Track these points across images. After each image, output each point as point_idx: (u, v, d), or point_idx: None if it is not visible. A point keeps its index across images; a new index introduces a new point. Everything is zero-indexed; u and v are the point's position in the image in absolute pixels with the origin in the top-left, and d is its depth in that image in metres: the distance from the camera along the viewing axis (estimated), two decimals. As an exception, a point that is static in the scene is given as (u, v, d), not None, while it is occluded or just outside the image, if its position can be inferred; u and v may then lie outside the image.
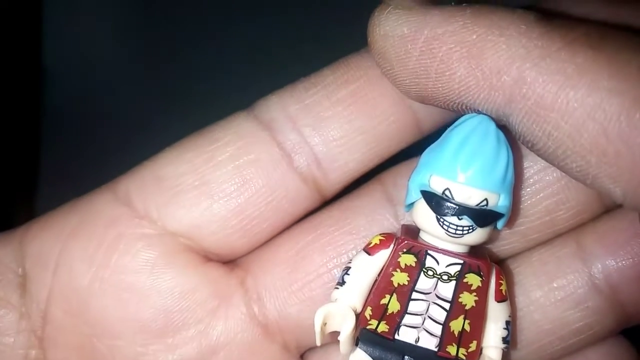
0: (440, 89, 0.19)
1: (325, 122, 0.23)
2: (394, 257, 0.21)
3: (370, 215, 0.24)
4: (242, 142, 0.24)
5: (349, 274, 0.22)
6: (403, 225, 0.23)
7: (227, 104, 0.50)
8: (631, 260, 0.23)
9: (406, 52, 0.19)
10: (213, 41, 0.53)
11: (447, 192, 0.20)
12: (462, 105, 0.20)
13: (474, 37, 0.18)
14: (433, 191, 0.20)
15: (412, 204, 0.21)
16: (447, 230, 0.20)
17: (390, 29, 0.19)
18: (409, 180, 0.21)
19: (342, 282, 0.22)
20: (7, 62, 0.51)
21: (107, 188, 0.25)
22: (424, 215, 0.21)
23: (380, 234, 0.22)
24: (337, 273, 0.23)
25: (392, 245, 0.21)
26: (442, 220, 0.20)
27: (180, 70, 0.53)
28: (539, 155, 0.19)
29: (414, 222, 0.22)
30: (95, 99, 0.53)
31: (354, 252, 0.24)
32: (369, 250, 0.22)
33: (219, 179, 0.24)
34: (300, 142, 0.24)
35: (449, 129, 0.21)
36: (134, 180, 0.24)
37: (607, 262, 0.23)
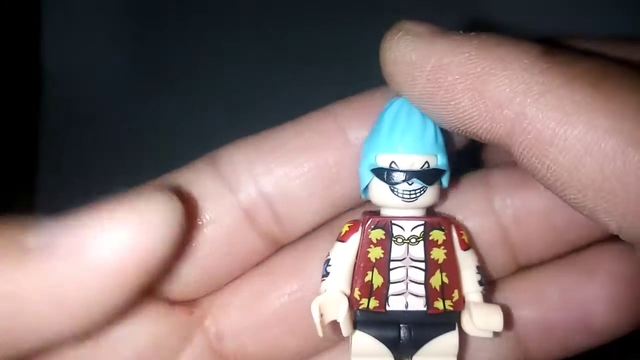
0: (445, 115, 0.20)
1: (287, 179, 0.24)
2: (365, 236, 0.23)
3: (322, 260, 0.25)
4: (204, 202, 0.24)
5: (330, 265, 0.23)
6: (363, 212, 0.25)
7: (227, 104, 0.51)
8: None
9: (413, 78, 0.20)
10: (212, 43, 0.54)
11: (393, 165, 0.23)
12: (465, 132, 0.20)
13: (479, 69, 0.19)
14: (381, 167, 0.23)
15: (367, 186, 0.23)
16: (402, 197, 0.23)
17: (400, 55, 0.20)
18: (358, 168, 0.23)
19: (326, 274, 0.23)
20: (5, 62, 0.52)
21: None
22: (379, 191, 0.23)
23: (347, 223, 0.24)
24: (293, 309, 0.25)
25: (360, 227, 0.23)
26: (395, 189, 0.23)
27: (179, 71, 0.53)
28: (540, 183, 0.20)
29: (373, 203, 0.24)
30: (94, 100, 0.53)
31: (301, 293, 0.25)
32: (341, 238, 0.24)
33: None
34: (261, 201, 0.24)
35: (379, 115, 0.23)
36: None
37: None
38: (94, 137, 0.52)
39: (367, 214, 0.24)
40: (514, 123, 0.18)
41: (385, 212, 0.24)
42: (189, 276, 0.24)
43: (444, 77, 0.19)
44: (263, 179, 0.24)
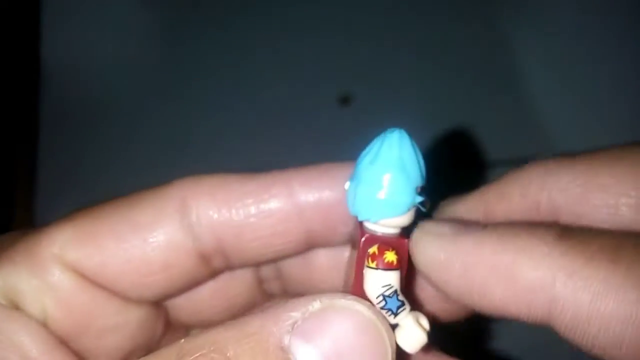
0: (486, 305, 0.21)
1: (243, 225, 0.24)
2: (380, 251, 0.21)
3: None
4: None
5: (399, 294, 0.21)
6: (371, 237, 0.22)
7: (227, 103, 0.51)
8: None
9: (446, 276, 0.21)
10: (213, 40, 0.54)
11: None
12: (507, 316, 0.21)
13: (505, 263, 0.20)
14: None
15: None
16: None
17: (428, 256, 0.22)
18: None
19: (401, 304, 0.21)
20: (5, 62, 0.52)
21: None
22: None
23: (389, 250, 0.21)
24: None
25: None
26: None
27: (179, 70, 0.53)
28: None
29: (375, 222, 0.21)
30: (94, 100, 0.53)
31: None
32: (395, 266, 0.21)
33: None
34: (216, 247, 0.24)
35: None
36: (62, 235, 0.23)
37: None
38: (92, 138, 0.52)
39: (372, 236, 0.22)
40: (549, 307, 0.19)
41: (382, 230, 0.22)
42: None
43: (475, 273, 0.21)
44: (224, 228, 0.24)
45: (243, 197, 0.23)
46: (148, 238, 0.22)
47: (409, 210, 0.21)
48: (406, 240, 0.22)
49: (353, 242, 0.23)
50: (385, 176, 0.20)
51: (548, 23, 0.51)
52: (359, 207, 0.21)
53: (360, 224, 0.22)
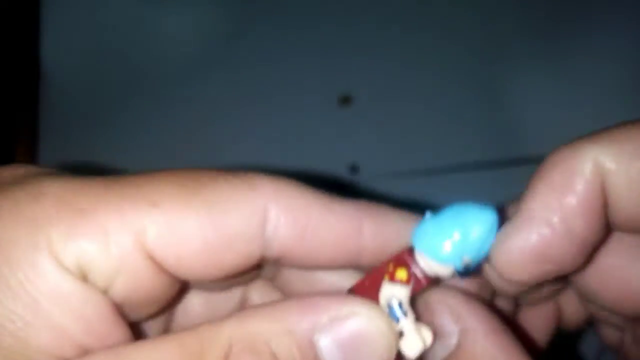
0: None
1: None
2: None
3: None
4: None
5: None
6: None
7: (228, 104, 0.51)
8: None
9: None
10: (213, 40, 0.54)
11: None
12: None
13: None
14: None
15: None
16: None
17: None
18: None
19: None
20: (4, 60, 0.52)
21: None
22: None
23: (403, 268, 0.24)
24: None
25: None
26: None
27: (180, 70, 0.53)
28: None
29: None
30: (95, 98, 0.53)
31: None
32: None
33: None
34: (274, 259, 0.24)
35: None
36: (143, 218, 0.22)
37: None
38: (94, 137, 0.52)
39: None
40: None
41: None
42: None
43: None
44: None
45: (325, 232, 0.23)
46: (224, 233, 0.21)
47: (449, 266, 0.23)
48: (425, 282, 0.24)
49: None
50: (455, 232, 0.23)
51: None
52: (419, 236, 0.24)
53: (411, 249, 0.25)
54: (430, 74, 0.51)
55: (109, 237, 0.20)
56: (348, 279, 0.26)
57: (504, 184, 0.48)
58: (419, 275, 0.24)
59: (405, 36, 0.52)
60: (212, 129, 0.51)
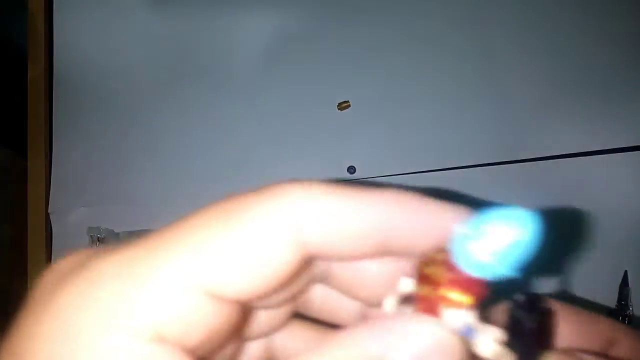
0: None
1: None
2: None
3: None
4: None
5: None
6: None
7: (228, 109, 0.51)
8: None
9: None
10: (215, 44, 0.54)
11: None
12: None
13: None
14: None
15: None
16: None
17: None
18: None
19: None
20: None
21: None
22: None
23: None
24: None
25: None
26: None
27: (181, 75, 0.54)
28: None
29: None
30: (103, 100, 0.54)
31: None
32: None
33: None
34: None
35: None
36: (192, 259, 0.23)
37: None
38: (102, 139, 0.52)
39: None
40: None
41: None
42: None
43: None
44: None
45: (358, 254, 0.23)
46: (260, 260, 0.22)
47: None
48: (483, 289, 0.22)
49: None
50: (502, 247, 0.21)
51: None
52: (464, 256, 0.23)
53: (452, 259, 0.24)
54: (427, 78, 0.51)
55: (172, 292, 0.20)
56: (387, 267, 0.25)
57: (504, 184, 0.48)
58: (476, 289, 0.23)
59: (405, 41, 0.52)
60: (213, 132, 0.51)
